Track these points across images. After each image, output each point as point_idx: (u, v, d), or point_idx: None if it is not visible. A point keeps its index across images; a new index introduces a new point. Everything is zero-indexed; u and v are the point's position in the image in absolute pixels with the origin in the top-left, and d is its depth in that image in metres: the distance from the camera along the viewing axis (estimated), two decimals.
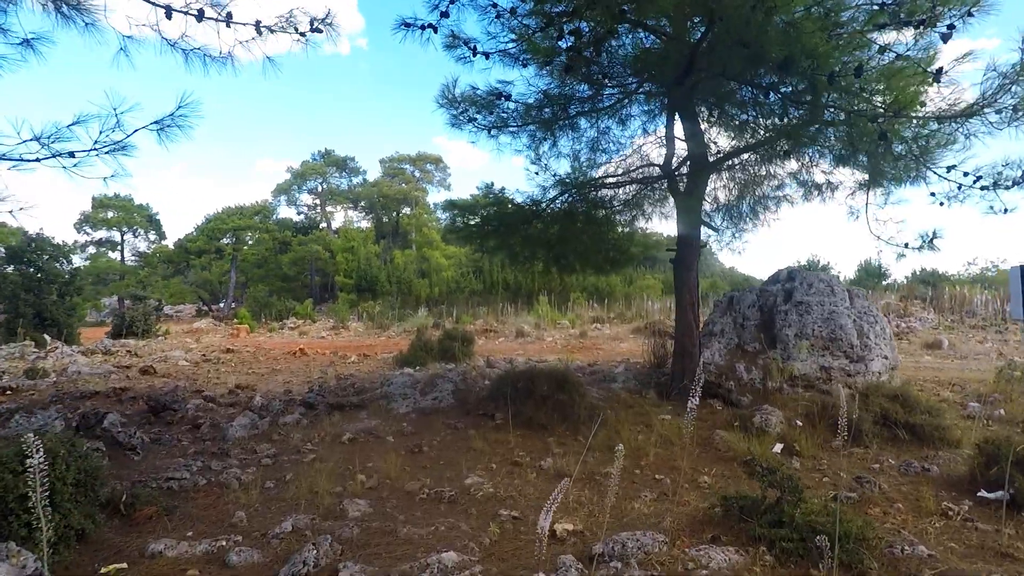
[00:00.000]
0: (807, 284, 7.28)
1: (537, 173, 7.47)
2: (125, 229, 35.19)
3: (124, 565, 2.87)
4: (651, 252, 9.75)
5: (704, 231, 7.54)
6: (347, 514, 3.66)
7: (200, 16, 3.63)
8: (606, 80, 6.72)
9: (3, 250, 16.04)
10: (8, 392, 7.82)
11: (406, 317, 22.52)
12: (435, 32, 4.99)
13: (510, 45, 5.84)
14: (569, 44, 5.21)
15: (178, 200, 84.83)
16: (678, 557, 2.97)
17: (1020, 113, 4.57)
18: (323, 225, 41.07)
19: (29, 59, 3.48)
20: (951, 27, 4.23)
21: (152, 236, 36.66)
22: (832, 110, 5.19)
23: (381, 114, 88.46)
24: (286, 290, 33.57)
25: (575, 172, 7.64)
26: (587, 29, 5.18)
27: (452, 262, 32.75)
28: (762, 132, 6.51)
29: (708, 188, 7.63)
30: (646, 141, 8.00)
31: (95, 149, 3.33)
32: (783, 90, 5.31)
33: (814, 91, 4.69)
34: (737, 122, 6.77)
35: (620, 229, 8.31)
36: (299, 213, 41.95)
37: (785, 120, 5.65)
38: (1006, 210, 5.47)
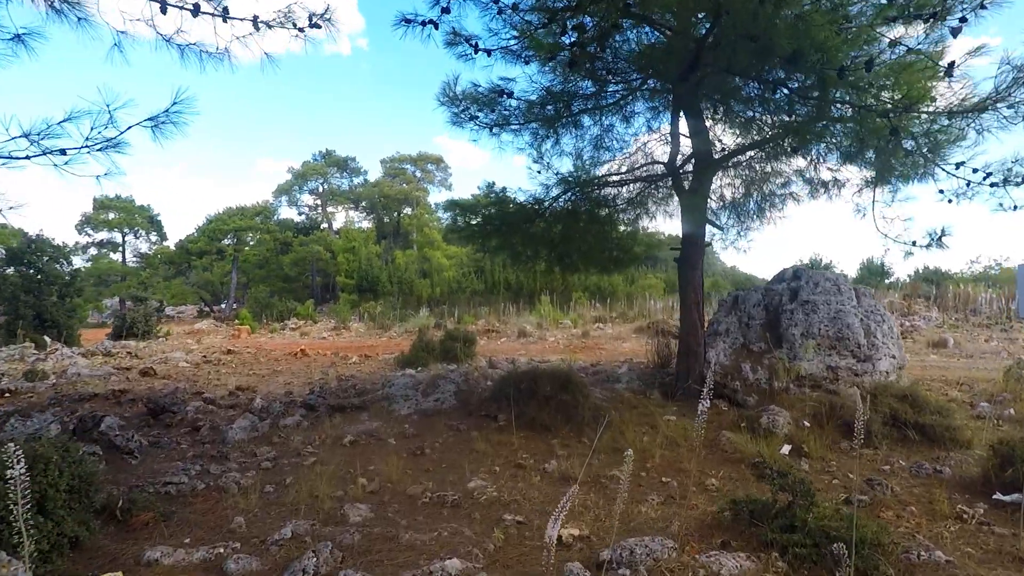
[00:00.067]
0: (813, 283, 7.19)
1: (539, 172, 7.39)
2: (126, 230, 35.14)
3: (119, 573, 2.79)
4: (654, 251, 9.68)
5: (708, 230, 7.45)
6: (348, 519, 3.58)
7: (196, 11, 3.55)
8: (610, 76, 6.64)
9: (3, 251, 16.00)
10: (7, 395, 7.76)
11: (407, 317, 22.45)
12: (436, 28, 4.90)
13: (512, 42, 5.76)
14: (572, 40, 5.12)
15: (179, 201, 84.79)
16: (688, 564, 2.89)
17: None
18: (324, 225, 41.02)
19: (21, 55, 3.41)
20: (963, 19, 4.14)
21: (153, 237, 36.63)
22: (840, 106, 5.11)
23: (382, 114, 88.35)
24: (287, 291, 33.54)
25: (578, 170, 7.57)
26: (591, 24, 5.10)
27: (453, 262, 32.68)
28: (768, 129, 6.42)
29: (713, 186, 7.55)
30: (650, 138, 7.93)
31: (87, 146, 3.25)
32: (790, 85, 5.23)
33: (823, 86, 4.60)
34: (742, 119, 6.68)
35: (623, 228, 8.23)
36: (300, 213, 41.94)
37: (792, 117, 5.57)
38: (1016, 207, 5.38)
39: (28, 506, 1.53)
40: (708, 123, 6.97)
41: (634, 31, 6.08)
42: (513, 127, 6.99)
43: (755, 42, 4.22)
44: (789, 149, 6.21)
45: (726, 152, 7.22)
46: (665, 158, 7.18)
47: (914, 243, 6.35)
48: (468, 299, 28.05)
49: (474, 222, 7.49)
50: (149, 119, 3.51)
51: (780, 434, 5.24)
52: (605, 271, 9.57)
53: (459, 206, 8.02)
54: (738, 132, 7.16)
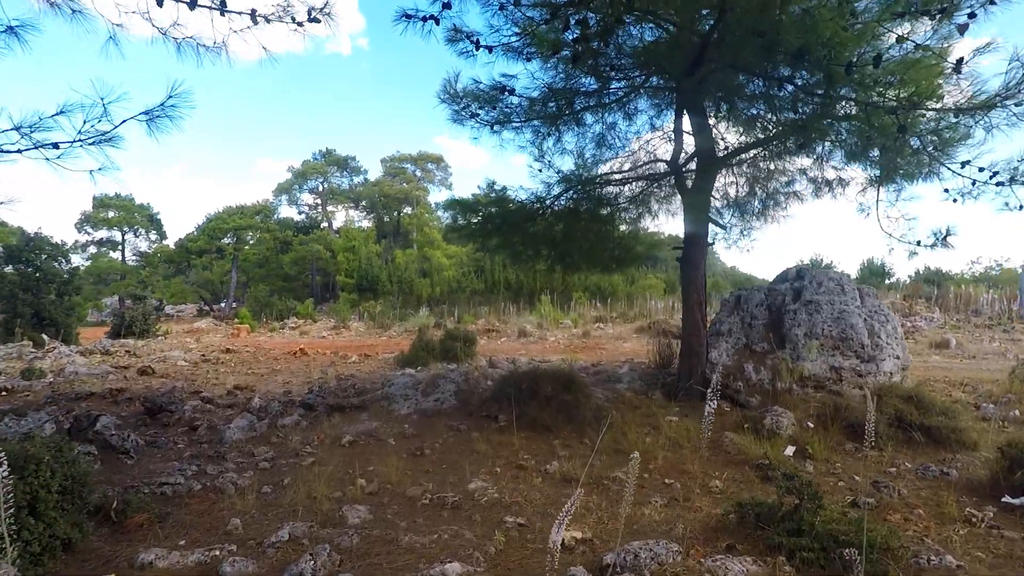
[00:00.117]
0: (816, 283, 7.13)
1: (540, 170, 7.33)
2: (126, 229, 35.13)
3: None
4: (655, 251, 9.62)
5: (711, 229, 7.39)
6: (346, 521, 3.52)
7: (193, 4, 3.49)
8: (613, 73, 6.58)
9: (1, 249, 15.92)
10: (3, 393, 7.70)
11: (407, 317, 22.38)
12: (437, 24, 4.82)
13: (514, 38, 5.69)
14: (575, 36, 5.06)
15: (179, 200, 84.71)
16: (694, 568, 2.83)
17: None
18: (324, 225, 40.98)
19: (14, 47, 3.34)
20: (972, 15, 4.07)
21: (153, 236, 36.62)
22: (846, 103, 5.04)
23: (382, 114, 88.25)
24: (287, 290, 33.47)
25: (580, 169, 7.50)
26: (594, 20, 5.03)
27: (453, 261, 32.61)
28: (772, 127, 6.36)
29: (716, 184, 7.49)
30: (653, 136, 7.86)
31: (80, 140, 3.18)
32: (796, 82, 5.16)
33: (829, 82, 4.54)
34: (746, 116, 6.62)
35: (625, 227, 8.17)
36: (300, 213, 41.93)
37: (797, 114, 5.50)
38: (1021, 206, 5.32)
39: (12, 509, 1.47)
40: (712, 121, 6.91)
41: (638, 27, 6.01)
42: (514, 124, 6.93)
43: (761, 38, 4.16)
44: (794, 147, 6.15)
45: (729, 150, 7.16)
46: (668, 156, 7.12)
47: (919, 243, 6.28)
48: (468, 299, 27.97)
49: (474, 221, 7.42)
50: (144, 113, 3.45)
51: (784, 435, 5.17)
52: (607, 270, 9.51)
53: (459, 205, 7.94)
54: (742, 130, 7.10)
